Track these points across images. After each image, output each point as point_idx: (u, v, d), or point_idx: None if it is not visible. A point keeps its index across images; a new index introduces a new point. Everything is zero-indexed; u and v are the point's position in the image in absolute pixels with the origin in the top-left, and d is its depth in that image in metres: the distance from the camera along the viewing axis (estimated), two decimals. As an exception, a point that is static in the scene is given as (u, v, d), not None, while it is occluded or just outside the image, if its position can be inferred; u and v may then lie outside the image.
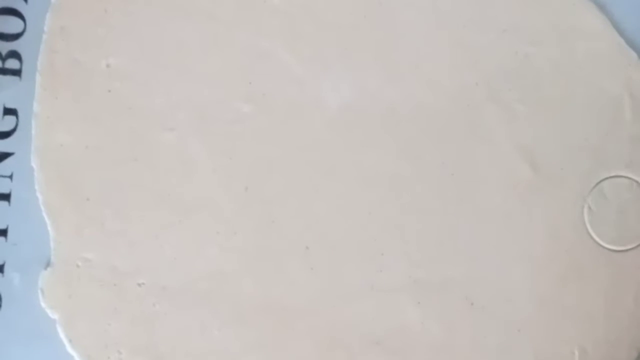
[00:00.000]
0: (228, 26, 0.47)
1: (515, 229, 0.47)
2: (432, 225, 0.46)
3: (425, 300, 0.45)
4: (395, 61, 0.47)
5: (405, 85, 0.47)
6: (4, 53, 0.46)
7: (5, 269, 0.44)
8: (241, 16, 0.47)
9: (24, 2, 0.46)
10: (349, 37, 0.47)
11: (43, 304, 0.44)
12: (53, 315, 0.44)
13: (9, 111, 0.45)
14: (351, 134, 0.47)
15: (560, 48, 0.48)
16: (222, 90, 0.46)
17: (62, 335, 0.44)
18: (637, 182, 0.47)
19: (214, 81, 0.46)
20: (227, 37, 0.46)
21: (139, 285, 0.44)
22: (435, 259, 0.46)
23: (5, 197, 0.45)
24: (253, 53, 0.47)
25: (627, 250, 0.47)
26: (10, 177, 0.45)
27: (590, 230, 0.47)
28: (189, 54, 0.46)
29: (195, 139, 0.46)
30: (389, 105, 0.47)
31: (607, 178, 0.47)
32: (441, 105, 0.47)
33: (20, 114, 0.45)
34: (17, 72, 0.46)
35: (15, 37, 0.46)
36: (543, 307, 0.46)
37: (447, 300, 0.46)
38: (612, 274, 0.47)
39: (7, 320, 0.44)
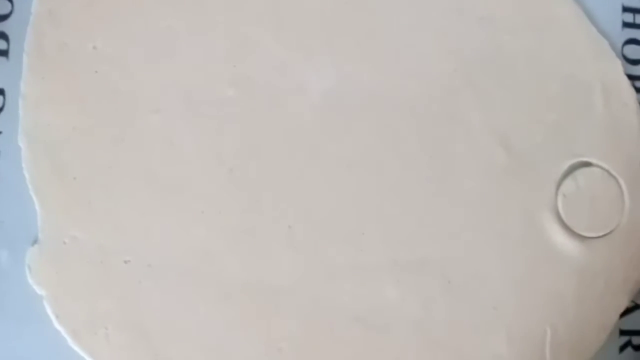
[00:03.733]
0: (214, 11, 0.47)
1: (491, 211, 0.48)
2: (411, 207, 0.47)
3: (404, 279, 0.46)
4: (376, 48, 0.48)
5: (386, 71, 0.48)
6: (-9, 34, 0.46)
7: (-7, 246, 0.45)
8: (227, 2, 0.47)
9: (11, -16, 0.46)
10: (332, 24, 0.48)
11: (30, 281, 0.44)
12: (40, 291, 0.44)
13: (-3, 91, 0.46)
14: (333, 118, 0.47)
15: (534, 36, 0.49)
16: (207, 74, 0.47)
17: (49, 311, 0.44)
18: (608, 171, 0.48)
19: (199, 64, 0.47)
20: (213, 22, 0.47)
21: (125, 262, 0.45)
22: (414, 239, 0.47)
23: (-7, 175, 0.45)
24: (238, 38, 0.47)
25: (598, 237, 0.48)
26: (-3, 155, 0.45)
27: (564, 218, 0.48)
28: (174, 37, 0.47)
29: (181, 121, 0.46)
30: (370, 91, 0.48)
31: (579, 167, 0.48)
32: (420, 91, 0.48)
33: (7, 93, 0.45)
34: (4, 53, 0.46)
35: (3, 18, 0.46)
36: (517, 288, 0.47)
37: (425, 279, 0.47)
38: (584, 258, 0.48)
39: (-5, 297, 0.44)
